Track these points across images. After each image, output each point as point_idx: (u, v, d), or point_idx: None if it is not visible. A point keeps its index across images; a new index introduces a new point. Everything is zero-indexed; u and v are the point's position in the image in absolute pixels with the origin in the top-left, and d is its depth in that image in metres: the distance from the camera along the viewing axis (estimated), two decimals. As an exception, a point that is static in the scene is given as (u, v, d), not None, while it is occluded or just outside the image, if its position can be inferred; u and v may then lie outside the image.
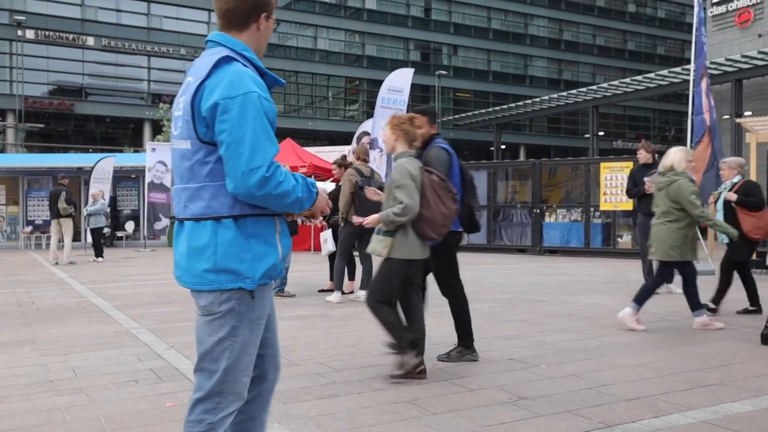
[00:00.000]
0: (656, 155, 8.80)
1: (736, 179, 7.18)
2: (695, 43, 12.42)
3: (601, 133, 42.24)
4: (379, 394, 4.03)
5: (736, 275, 6.98)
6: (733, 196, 6.94)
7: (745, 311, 6.91)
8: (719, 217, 7.03)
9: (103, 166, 18.93)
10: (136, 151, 36.11)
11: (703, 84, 12.38)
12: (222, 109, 2.06)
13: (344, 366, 4.74)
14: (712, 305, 6.91)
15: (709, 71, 30.47)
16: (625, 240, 16.64)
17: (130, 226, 21.55)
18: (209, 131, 2.10)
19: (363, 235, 8.22)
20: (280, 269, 2.20)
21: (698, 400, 3.83)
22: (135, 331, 6.21)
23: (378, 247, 4.34)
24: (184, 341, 5.63)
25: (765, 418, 3.50)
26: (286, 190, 2.09)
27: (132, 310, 7.50)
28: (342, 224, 8.09)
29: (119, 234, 21.88)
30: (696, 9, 12.56)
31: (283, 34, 46.78)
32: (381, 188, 8.14)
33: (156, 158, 18.78)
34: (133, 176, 22.06)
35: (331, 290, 8.72)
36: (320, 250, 18.00)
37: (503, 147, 45.41)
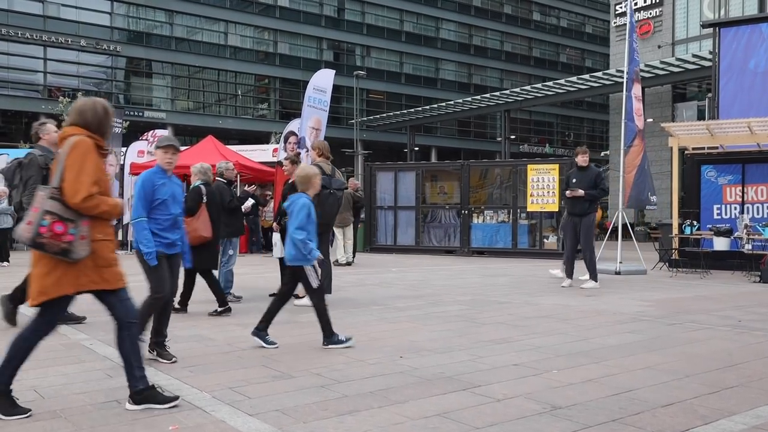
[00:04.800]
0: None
1: (196, 184, 7.03)
2: (628, 48, 12.80)
3: (512, 137, 43.29)
4: (402, 407, 3.71)
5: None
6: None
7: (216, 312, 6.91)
8: None
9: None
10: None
11: (635, 89, 12.77)
12: None
13: (345, 377, 4.38)
14: (177, 306, 6.75)
15: (614, 79, 31.98)
16: (551, 241, 17.00)
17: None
18: None
19: (320, 236, 7.82)
20: None
21: (733, 403, 3.75)
22: (87, 343, 5.57)
23: None
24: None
25: (810, 421, 3.45)
26: None
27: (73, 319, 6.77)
28: (301, 224, 7.64)
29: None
30: (628, 17, 12.96)
31: (191, 28, 45.14)
32: (342, 188, 7.83)
33: (65, 154, 17.43)
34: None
35: (284, 294, 8.26)
36: (246, 252, 17.48)
37: (416, 149, 45.79)
